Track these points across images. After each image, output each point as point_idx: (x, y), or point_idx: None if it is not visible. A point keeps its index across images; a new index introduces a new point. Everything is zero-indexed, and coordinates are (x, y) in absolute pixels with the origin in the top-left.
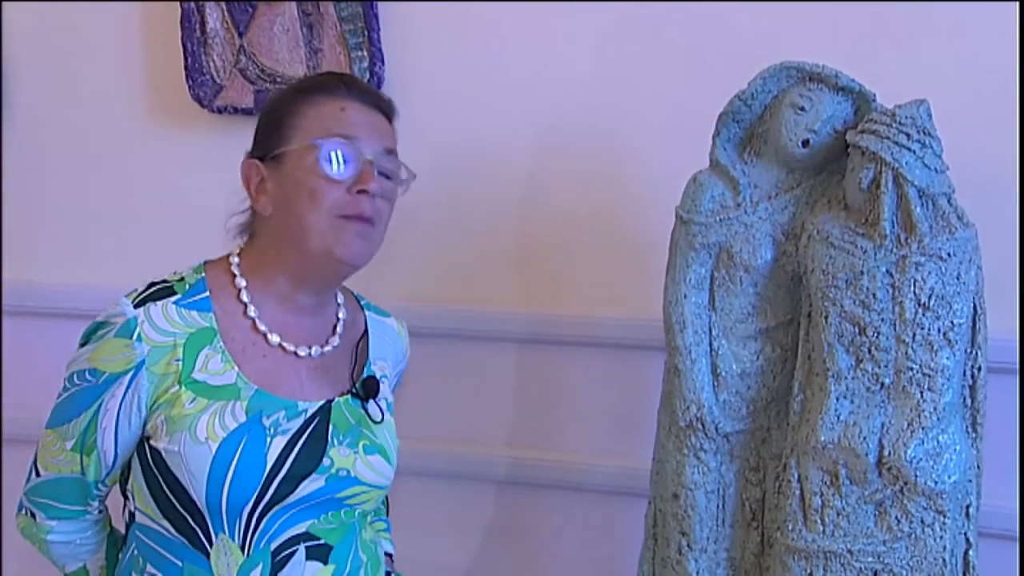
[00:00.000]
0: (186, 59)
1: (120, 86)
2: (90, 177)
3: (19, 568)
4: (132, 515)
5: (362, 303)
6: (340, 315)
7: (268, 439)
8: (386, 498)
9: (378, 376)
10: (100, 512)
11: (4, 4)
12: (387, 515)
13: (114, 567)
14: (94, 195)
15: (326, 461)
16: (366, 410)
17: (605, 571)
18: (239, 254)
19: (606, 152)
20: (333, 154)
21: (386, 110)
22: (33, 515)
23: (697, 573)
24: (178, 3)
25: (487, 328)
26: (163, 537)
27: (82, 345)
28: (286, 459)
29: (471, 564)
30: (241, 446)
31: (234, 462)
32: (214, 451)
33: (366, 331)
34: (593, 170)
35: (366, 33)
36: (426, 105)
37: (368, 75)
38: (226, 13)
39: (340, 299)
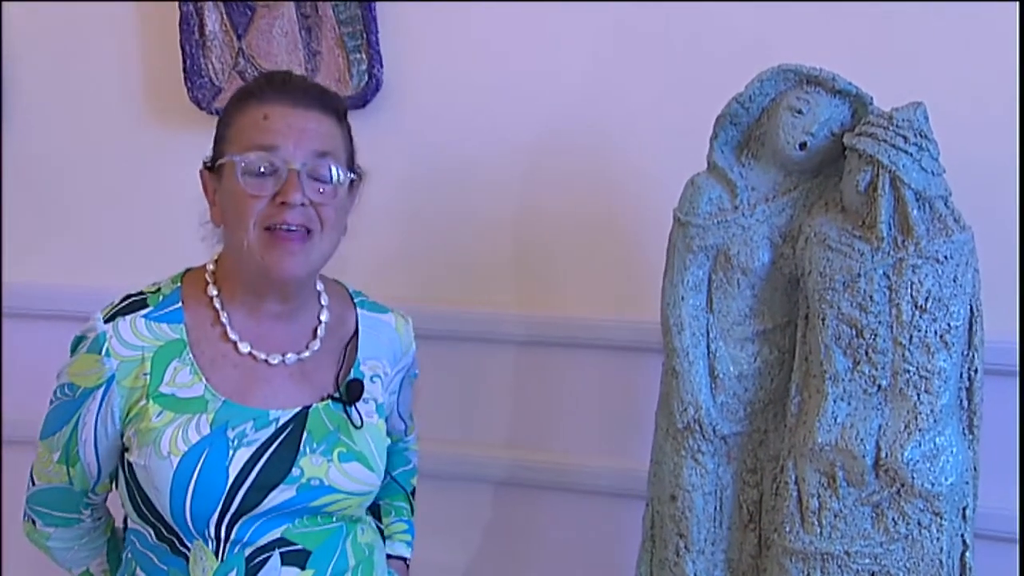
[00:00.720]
0: (185, 61)
1: (119, 88)
2: (90, 179)
3: (19, 569)
4: (126, 521)
5: (356, 300)
6: (322, 317)
7: (231, 451)
8: (410, 498)
9: (368, 377)
10: (96, 519)
11: (4, 5)
12: (411, 515)
13: (116, 569)
14: (94, 197)
15: (295, 471)
16: (347, 415)
17: (603, 572)
18: (215, 262)
19: (604, 154)
20: (250, 168)
21: (328, 107)
22: (34, 522)
23: (695, 574)
24: (177, 5)
25: (485, 330)
26: (149, 542)
27: (70, 356)
28: (251, 470)
29: (469, 565)
30: (202, 460)
31: (194, 476)
32: (175, 465)
33: (357, 330)
34: (591, 172)
35: (365, 35)
36: (425, 107)
37: (367, 77)
38: (225, 16)
39: (324, 300)
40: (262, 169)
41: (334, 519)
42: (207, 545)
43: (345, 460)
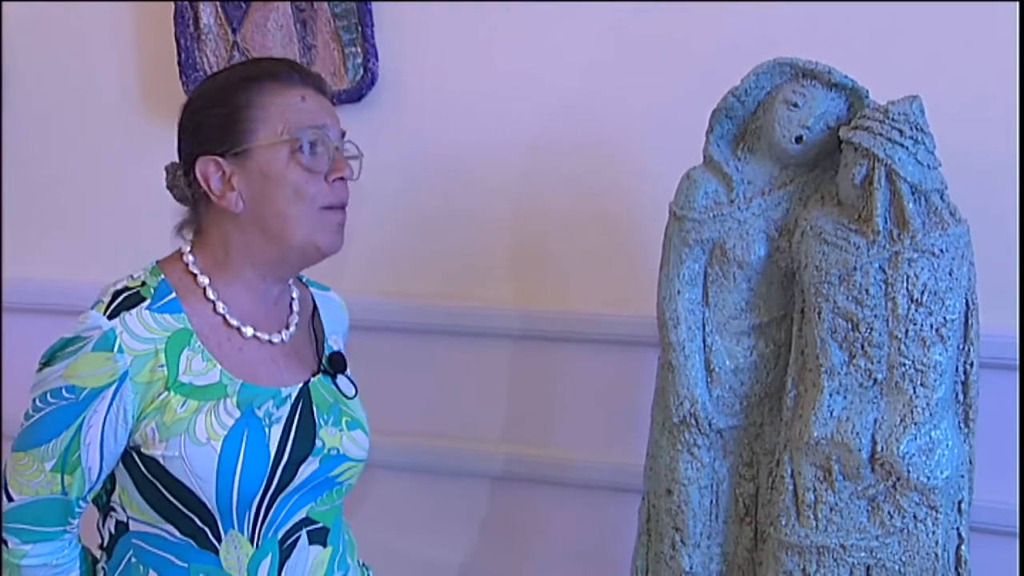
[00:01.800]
0: (180, 55)
1: (115, 83)
2: (87, 173)
3: None
4: (123, 525)
5: (304, 280)
6: (293, 295)
7: (266, 429)
8: None
9: (336, 349)
10: (77, 528)
11: (2, 4)
12: None
13: None
14: (91, 191)
15: (318, 443)
16: (337, 386)
17: (599, 566)
18: (191, 251)
19: (600, 148)
20: (312, 146)
21: (328, 91)
22: (6, 542)
23: (691, 568)
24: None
25: (482, 324)
26: (167, 541)
27: (45, 364)
28: (285, 446)
29: (466, 559)
30: (244, 441)
31: (240, 458)
32: (219, 450)
33: (315, 307)
34: (587, 166)
35: (360, 29)
36: (420, 101)
37: (362, 71)
38: (219, 9)
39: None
40: (320, 148)
41: (344, 491)
42: (242, 533)
43: (352, 428)
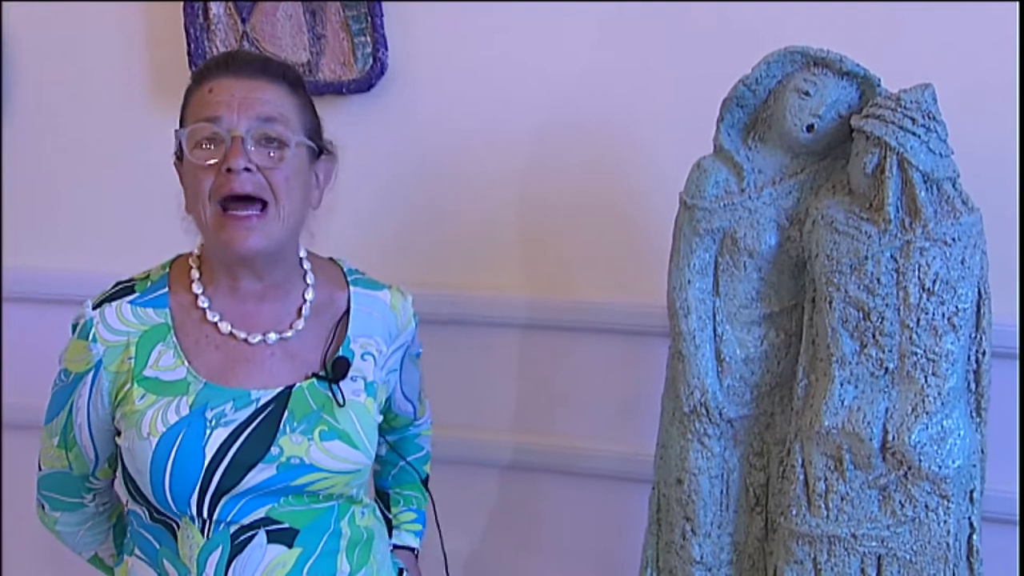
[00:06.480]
0: (189, 45)
1: (123, 72)
2: (92, 163)
3: (20, 555)
4: (125, 501)
5: (350, 279)
6: (307, 296)
7: (208, 432)
8: (423, 486)
9: (359, 354)
10: (101, 505)
11: None
12: (423, 504)
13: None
14: (96, 181)
15: (274, 450)
16: (332, 393)
17: (609, 556)
18: (201, 246)
19: (610, 137)
20: (195, 140)
21: (274, 75)
22: (43, 506)
23: (701, 558)
24: None
25: (491, 314)
26: (144, 522)
27: None
28: (227, 450)
29: (475, 549)
30: (179, 440)
31: (171, 456)
32: (154, 446)
33: (348, 309)
34: (597, 155)
35: (369, 19)
36: (429, 90)
37: (371, 61)
38: None
39: (311, 280)
40: (206, 139)
41: (320, 498)
42: (194, 523)
43: (327, 439)
